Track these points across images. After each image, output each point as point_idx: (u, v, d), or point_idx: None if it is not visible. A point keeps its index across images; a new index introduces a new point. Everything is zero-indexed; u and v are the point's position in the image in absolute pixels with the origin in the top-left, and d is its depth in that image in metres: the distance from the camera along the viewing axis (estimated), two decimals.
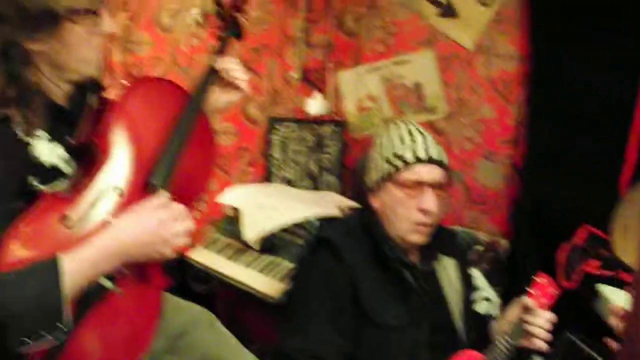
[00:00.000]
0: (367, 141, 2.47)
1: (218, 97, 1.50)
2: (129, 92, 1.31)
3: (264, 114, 2.57)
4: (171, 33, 2.65)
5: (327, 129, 2.48)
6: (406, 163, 1.57)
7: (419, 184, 1.57)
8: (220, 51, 1.54)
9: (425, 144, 1.61)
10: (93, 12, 1.21)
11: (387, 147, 1.63)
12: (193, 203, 1.41)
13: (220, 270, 2.04)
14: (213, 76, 1.49)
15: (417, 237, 1.60)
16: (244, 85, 1.51)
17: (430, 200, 1.56)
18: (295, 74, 2.48)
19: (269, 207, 2.05)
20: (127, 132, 1.27)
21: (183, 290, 1.79)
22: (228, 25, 1.62)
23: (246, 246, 2.05)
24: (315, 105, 2.46)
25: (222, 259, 2.07)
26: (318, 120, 2.47)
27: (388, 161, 1.60)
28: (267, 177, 2.56)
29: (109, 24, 1.26)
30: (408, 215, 1.58)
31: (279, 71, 2.52)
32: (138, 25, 2.68)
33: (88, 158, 1.26)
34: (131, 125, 1.28)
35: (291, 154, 2.52)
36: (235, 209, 2.12)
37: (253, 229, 1.99)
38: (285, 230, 2.00)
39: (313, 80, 2.50)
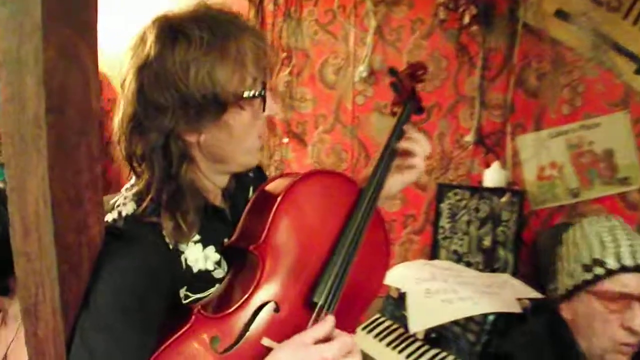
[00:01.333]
0: (548, 214, 2.15)
1: (393, 182, 1.31)
2: (290, 189, 1.13)
3: (433, 179, 2.36)
4: (335, 90, 2.55)
5: (503, 199, 2.19)
6: (609, 271, 1.30)
7: (624, 297, 1.28)
8: (399, 130, 1.35)
9: (633, 247, 1.31)
10: (261, 96, 1.07)
11: (583, 249, 1.36)
12: (360, 317, 1.24)
13: (378, 359, 1.85)
14: (391, 160, 1.29)
15: (619, 359, 1.30)
16: (422, 165, 1.31)
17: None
18: (469, 137, 2.25)
19: (437, 293, 1.83)
20: (287, 237, 1.11)
21: None
22: (405, 99, 1.44)
23: (409, 332, 1.84)
24: (490, 172, 2.20)
25: (381, 345, 1.88)
26: (493, 189, 2.20)
27: (585, 267, 1.33)
28: (433, 247, 2.34)
29: (272, 106, 1.12)
30: (610, 333, 1.32)
31: (452, 133, 2.30)
32: (301, 81, 2.62)
33: (242, 262, 1.13)
34: (291, 228, 1.12)
35: (461, 224, 2.27)
36: (400, 292, 1.92)
37: (419, 320, 1.79)
38: (455, 322, 1.76)
39: (489, 145, 2.25)
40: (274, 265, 1.09)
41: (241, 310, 1.06)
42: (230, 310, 1.05)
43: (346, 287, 1.13)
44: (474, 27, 2.17)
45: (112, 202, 1.14)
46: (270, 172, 2.74)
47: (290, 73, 2.61)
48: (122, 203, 1.11)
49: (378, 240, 1.27)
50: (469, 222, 2.26)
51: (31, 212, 1.00)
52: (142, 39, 1.04)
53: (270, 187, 1.20)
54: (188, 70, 1.00)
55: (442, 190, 2.34)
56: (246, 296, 1.07)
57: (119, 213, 1.09)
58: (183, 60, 1.00)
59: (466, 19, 2.16)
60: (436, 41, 2.31)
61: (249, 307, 1.07)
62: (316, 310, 1.10)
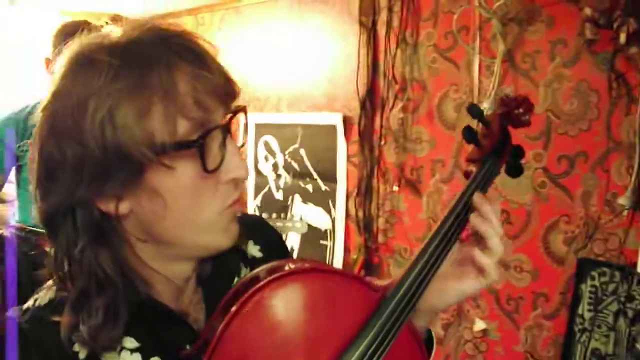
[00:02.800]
0: None
1: (444, 290, 0.88)
2: (261, 289, 0.74)
3: (572, 251, 1.78)
4: (455, 131, 2.08)
5: None
6: None
7: None
8: (467, 201, 0.90)
9: None
10: (200, 145, 0.72)
11: None
12: None
13: None
14: (445, 250, 0.86)
15: None
16: (492, 266, 0.85)
17: None
18: (624, 199, 1.65)
19: None
20: (255, 351, 0.74)
21: None
22: (489, 152, 0.99)
23: None
24: None
25: None
26: None
27: None
28: (567, 339, 1.76)
29: (235, 164, 0.77)
30: None
31: (601, 192, 1.72)
32: (417, 119, 2.20)
33: None
34: (263, 339, 0.74)
35: (607, 316, 1.66)
36: None
37: None
38: None
39: None
40: None
41: None
42: None
43: None
44: (634, 49, 1.59)
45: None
46: (379, 224, 2.34)
47: (405, 109, 2.20)
48: (48, 285, 0.82)
49: None
50: (617, 314, 1.64)
51: None
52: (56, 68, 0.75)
53: (252, 278, 0.82)
54: (85, 109, 0.68)
55: (584, 266, 1.75)
56: None
57: (35, 300, 0.80)
58: (82, 95, 0.69)
59: (622, 39, 1.59)
60: (583, 69, 1.75)
61: None
62: None
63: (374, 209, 2.34)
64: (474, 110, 1.02)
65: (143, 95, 0.68)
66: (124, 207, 0.73)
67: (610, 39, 1.67)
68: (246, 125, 2.76)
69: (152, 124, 0.69)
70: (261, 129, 2.80)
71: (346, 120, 2.39)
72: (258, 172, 2.85)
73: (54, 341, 0.73)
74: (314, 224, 2.57)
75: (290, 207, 2.67)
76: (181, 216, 0.75)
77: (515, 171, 1.03)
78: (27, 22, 2.96)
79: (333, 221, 2.48)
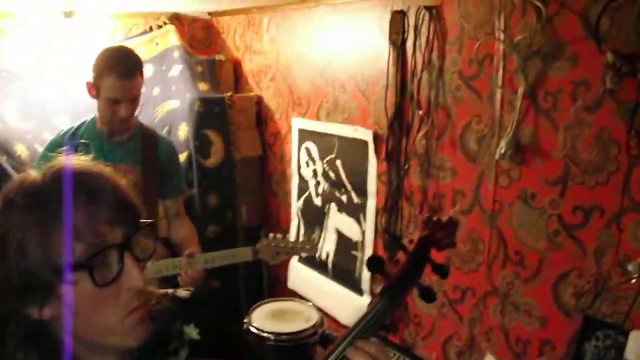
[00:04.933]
0: None
1: None
2: None
3: (580, 306, 1.70)
4: (476, 163, 2.02)
5: None
6: None
7: None
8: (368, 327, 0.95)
9: None
10: (89, 266, 0.84)
11: None
12: None
13: None
14: None
15: None
16: None
17: None
18: (633, 267, 1.55)
19: None
20: None
21: None
22: (396, 282, 1.00)
23: None
24: None
25: None
26: None
27: None
28: None
29: (131, 276, 0.88)
30: None
31: (613, 252, 1.61)
32: (440, 146, 2.15)
33: None
34: None
35: None
36: None
37: None
38: None
39: None
40: None
41: None
42: None
43: None
44: None
45: None
46: (404, 244, 2.32)
47: (429, 134, 2.13)
48: None
49: None
50: None
51: None
52: None
53: None
54: (5, 240, 0.83)
55: (590, 325, 1.67)
56: None
57: None
58: (3, 227, 0.84)
59: None
60: (605, 116, 1.62)
61: None
62: None
63: (399, 230, 2.32)
64: (396, 239, 1.03)
65: (45, 227, 0.82)
66: (46, 313, 0.86)
67: (635, 88, 1.53)
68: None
69: (52, 250, 0.82)
70: (303, 134, 2.83)
71: (377, 138, 2.36)
72: (300, 176, 2.90)
73: None
74: (347, 234, 2.60)
75: (327, 215, 2.70)
76: (87, 321, 0.87)
77: (428, 296, 1.01)
78: (82, 33, 3.07)
79: (363, 234, 2.49)
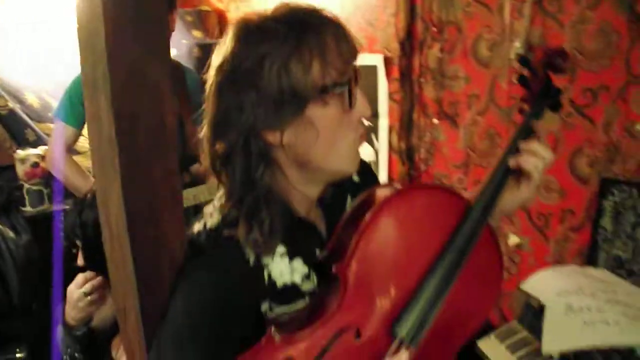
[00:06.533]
0: None
1: (507, 201, 1.17)
2: (384, 205, 1.03)
3: (596, 172, 2.07)
4: (489, 68, 2.32)
5: None
6: None
7: None
8: (523, 134, 1.19)
9: None
10: (347, 87, 1.00)
11: None
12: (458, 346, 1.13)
13: None
14: (506, 175, 1.16)
15: None
16: (537, 180, 1.15)
17: None
18: None
19: (579, 312, 1.61)
20: (375, 258, 1.03)
21: None
22: (538, 94, 1.25)
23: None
24: None
25: (512, 358, 1.72)
26: None
27: None
28: (592, 248, 2.07)
29: (362, 105, 1.04)
30: None
31: (620, 120, 1.98)
32: (453, 58, 2.43)
33: (327, 280, 1.08)
34: (381, 250, 1.03)
35: (627, 226, 1.97)
36: (539, 302, 1.73)
37: (554, 340, 1.59)
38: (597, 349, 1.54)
39: None
40: (358, 289, 1.02)
41: (319, 333, 1.01)
42: (308, 332, 1.01)
43: (440, 318, 1.03)
44: None
45: (205, 209, 1.15)
46: (420, 154, 2.62)
47: (442, 49, 2.43)
48: (209, 213, 1.11)
49: (487, 265, 1.14)
50: (635, 225, 1.94)
51: (113, 225, 1.03)
52: (224, 40, 1.03)
53: (366, 199, 1.12)
54: (262, 64, 0.96)
55: (606, 185, 2.04)
56: (325, 318, 1.02)
57: (204, 225, 1.09)
58: (257, 55, 0.96)
59: None
60: (605, 11, 1.97)
61: (328, 330, 1.02)
62: (395, 342, 1.02)
63: (416, 140, 2.61)
64: (524, 61, 1.28)
65: (304, 52, 0.95)
66: (285, 138, 1.01)
67: None
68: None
69: (313, 71, 0.96)
70: None
71: (387, 61, 2.63)
72: None
73: (233, 251, 1.02)
74: None
75: None
76: (328, 143, 1.02)
77: (556, 106, 1.28)
78: None
79: (376, 153, 2.76)
